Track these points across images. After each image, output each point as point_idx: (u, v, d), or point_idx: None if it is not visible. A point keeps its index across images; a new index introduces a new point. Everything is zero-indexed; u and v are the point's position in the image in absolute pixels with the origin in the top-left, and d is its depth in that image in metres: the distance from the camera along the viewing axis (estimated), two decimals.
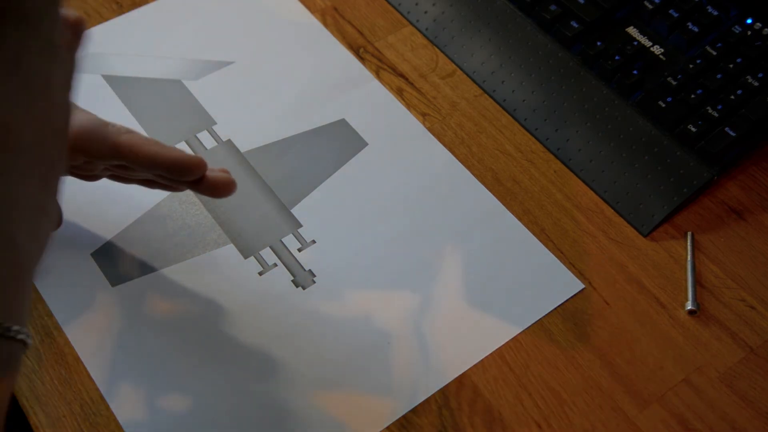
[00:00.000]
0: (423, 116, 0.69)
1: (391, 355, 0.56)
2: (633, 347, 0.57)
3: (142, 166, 0.54)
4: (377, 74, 0.71)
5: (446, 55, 0.72)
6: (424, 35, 0.74)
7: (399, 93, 0.70)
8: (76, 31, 0.39)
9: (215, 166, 0.65)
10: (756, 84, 0.65)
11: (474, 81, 0.71)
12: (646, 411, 0.54)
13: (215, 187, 0.55)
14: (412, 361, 0.56)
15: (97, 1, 0.75)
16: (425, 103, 0.69)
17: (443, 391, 0.55)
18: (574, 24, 0.70)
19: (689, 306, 0.58)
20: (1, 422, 0.35)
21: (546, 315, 0.58)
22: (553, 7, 0.71)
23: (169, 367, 0.56)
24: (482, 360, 0.56)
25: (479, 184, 0.65)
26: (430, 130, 0.68)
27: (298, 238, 0.62)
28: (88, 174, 0.57)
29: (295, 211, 0.63)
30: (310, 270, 0.60)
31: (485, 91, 0.70)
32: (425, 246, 0.61)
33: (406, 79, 0.71)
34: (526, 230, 0.62)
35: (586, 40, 0.69)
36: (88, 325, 0.57)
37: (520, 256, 0.61)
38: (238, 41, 0.73)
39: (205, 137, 0.67)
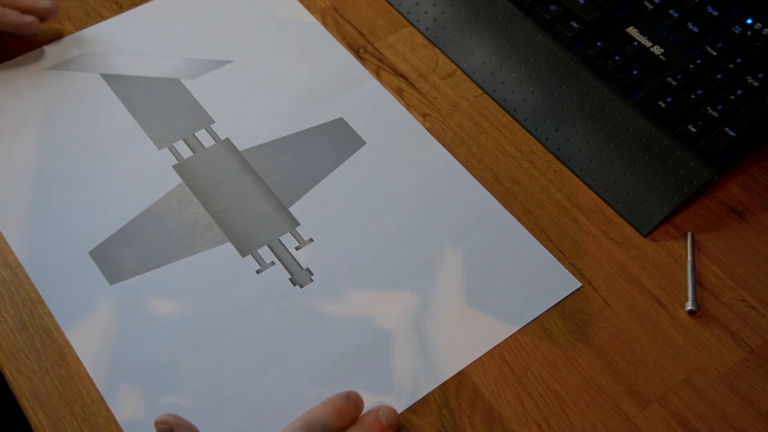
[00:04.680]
0: (423, 116, 0.68)
1: (390, 353, 0.56)
2: (633, 347, 0.57)
3: None
4: (377, 74, 0.71)
5: (446, 55, 0.72)
6: (424, 35, 0.73)
7: (399, 93, 0.70)
8: None
9: (213, 165, 0.66)
10: (756, 84, 0.65)
11: (474, 81, 0.71)
12: (646, 411, 0.54)
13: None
14: (411, 359, 0.56)
15: (97, 1, 0.75)
16: (425, 103, 0.69)
17: (443, 392, 0.55)
18: (574, 24, 0.70)
19: (689, 306, 0.58)
20: None
21: (546, 315, 0.58)
22: (553, 7, 0.71)
23: (168, 366, 0.55)
24: (482, 360, 0.56)
25: (479, 184, 0.64)
26: (430, 130, 0.68)
27: (296, 236, 0.61)
28: None
29: (293, 209, 0.63)
30: (307, 268, 0.60)
31: (485, 91, 0.70)
32: (424, 245, 0.61)
33: (406, 80, 0.71)
34: (526, 230, 0.62)
35: (586, 40, 0.69)
36: (88, 325, 0.57)
37: (520, 257, 0.61)
38: (236, 40, 0.73)
39: (203, 136, 0.67)
